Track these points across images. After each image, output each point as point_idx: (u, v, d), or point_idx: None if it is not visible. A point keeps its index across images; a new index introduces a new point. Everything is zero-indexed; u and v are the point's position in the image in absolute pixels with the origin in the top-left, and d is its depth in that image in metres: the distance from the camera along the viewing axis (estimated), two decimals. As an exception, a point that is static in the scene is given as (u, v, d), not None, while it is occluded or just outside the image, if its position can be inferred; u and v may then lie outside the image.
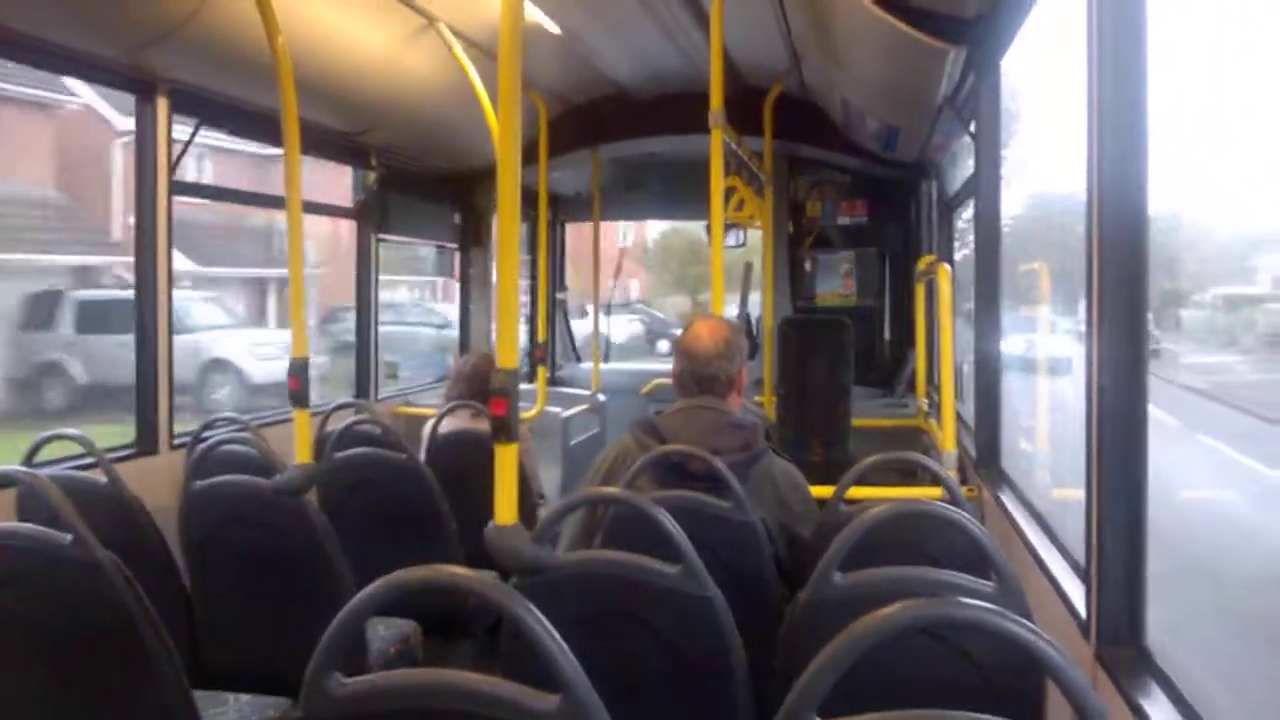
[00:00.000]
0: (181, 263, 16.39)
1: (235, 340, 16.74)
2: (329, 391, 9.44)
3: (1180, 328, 5.47)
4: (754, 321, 6.47)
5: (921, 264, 5.23)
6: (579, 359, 8.51)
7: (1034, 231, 6.74)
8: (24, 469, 2.68)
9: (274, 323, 21.86)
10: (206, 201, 8.79)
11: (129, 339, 4.16)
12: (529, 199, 6.29)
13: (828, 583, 1.95)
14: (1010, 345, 4.85)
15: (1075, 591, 2.24)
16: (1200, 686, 1.74)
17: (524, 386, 5.68)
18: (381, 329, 6.12)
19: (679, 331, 3.10)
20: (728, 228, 5.64)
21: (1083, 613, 2.08)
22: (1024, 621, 1.09)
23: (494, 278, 6.99)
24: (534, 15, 4.73)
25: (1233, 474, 4.53)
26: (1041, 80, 3.84)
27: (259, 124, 4.53)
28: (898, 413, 6.17)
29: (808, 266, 7.15)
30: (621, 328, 17.76)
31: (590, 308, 7.57)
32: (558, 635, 1.18)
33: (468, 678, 1.19)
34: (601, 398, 6.86)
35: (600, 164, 7.00)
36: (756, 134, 5.82)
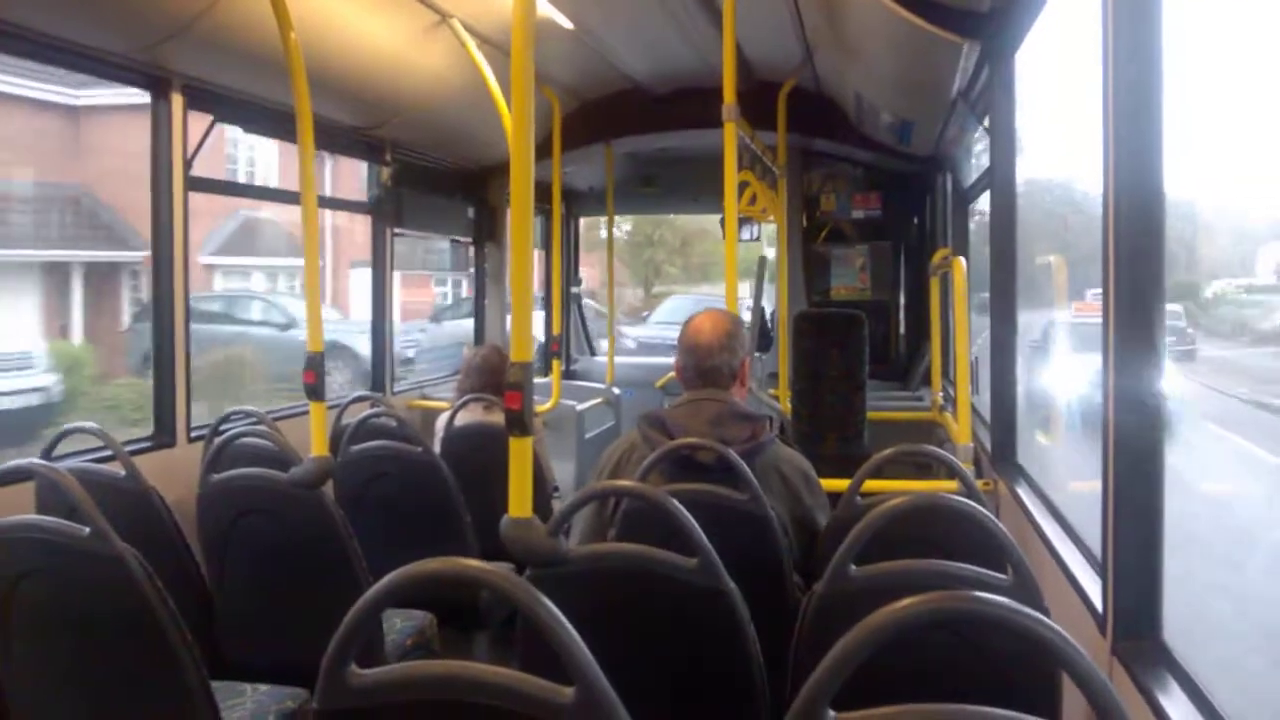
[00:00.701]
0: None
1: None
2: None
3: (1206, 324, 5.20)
4: (769, 315, 6.47)
5: (936, 257, 5.22)
6: (593, 352, 8.53)
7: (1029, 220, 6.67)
8: (42, 461, 2.70)
9: (80, 328, 16.87)
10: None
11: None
12: (543, 193, 6.30)
13: (844, 576, 1.95)
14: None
15: (1092, 586, 2.24)
16: (1218, 681, 1.73)
17: (539, 380, 5.72)
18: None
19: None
20: (741, 221, 5.64)
21: (1099, 607, 2.07)
22: (1038, 614, 1.09)
23: (508, 272, 7.01)
24: (546, 10, 4.73)
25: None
26: (1039, 70, 3.78)
27: (273, 119, 4.55)
28: (913, 406, 6.16)
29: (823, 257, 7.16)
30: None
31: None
32: (572, 628, 1.19)
33: (484, 670, 1.20)
34: (616, 391, 6.87)
35: (614, 159, 7.00)
36: (770, 128, 5.81)
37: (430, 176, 6.40)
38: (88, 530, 2.11)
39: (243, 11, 3.65)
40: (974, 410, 4.32)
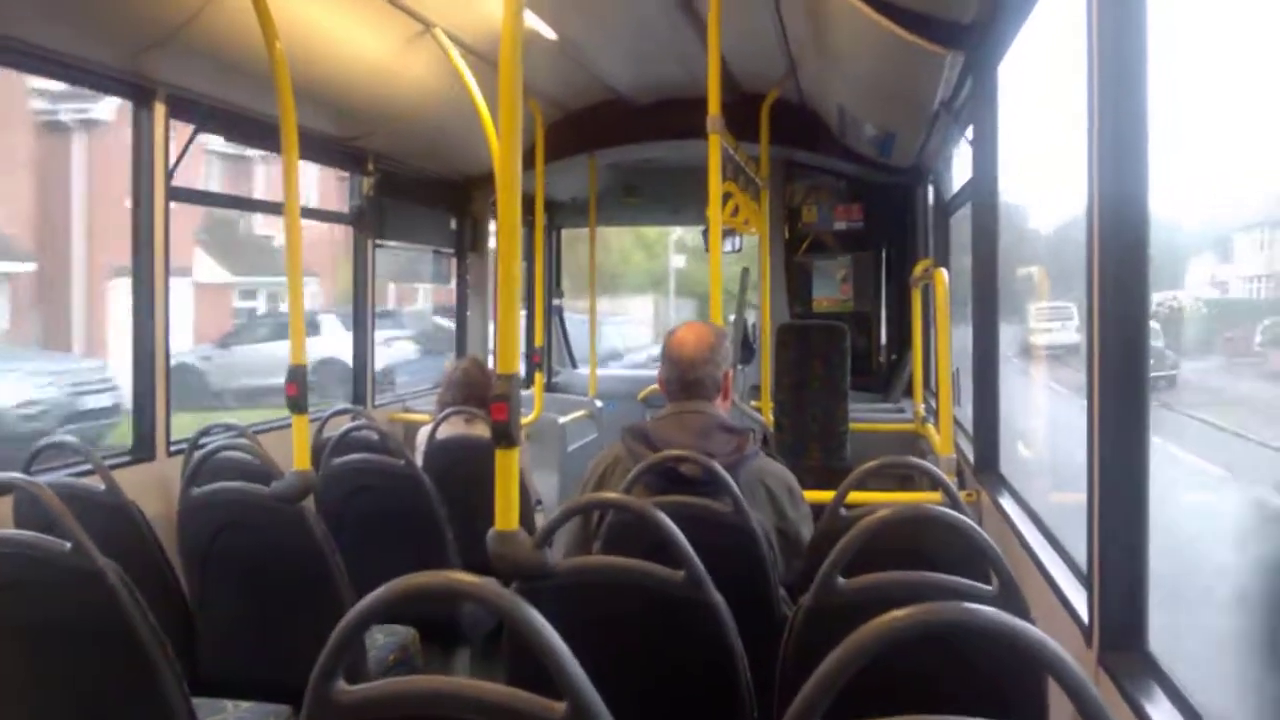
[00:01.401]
0: None
1: None
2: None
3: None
4: (751, 327, 6.48)
5: (918, 268, 5.24)
6: (575, 365, 8.51)
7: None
8: (21, 475, 2.67)
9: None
10: None
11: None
12: (526, 205, 6.28)
13: (830, 588, 1.95)
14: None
15: (1077, 596, 2.24)
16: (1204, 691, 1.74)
17: (521, 392, 5.70)
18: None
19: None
20: (724, 233, 5.64)
21: (1085, 618, 2.07)
22: (1029, 625, 1.09)
23: (490, 283, 6.99)
24: (531, 22, 4.73)
25: None
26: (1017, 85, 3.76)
27: (256, 129, 4.53)
28: (895, 417, 6.18)
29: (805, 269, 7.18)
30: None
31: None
32: (563, 642, 1.17)
33: (475, 685, 1.19)
34: (599, 403, 6.86)
35: (597, 170, 7.00)
36: (753, 140, 5.83)
37: (413, 187, 6.38)
38: (68, 545, 2.08)
39: (227, 21, 3.63)
40: (956, 421, 4.34)
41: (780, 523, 2.82)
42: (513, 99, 2.16)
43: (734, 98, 5.90)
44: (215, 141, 4.20)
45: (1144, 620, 1.94)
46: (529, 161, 5.61)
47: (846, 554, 1.96)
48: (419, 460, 4.27)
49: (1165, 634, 1.95)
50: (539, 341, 6.82)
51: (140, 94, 3.94)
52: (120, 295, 14.57)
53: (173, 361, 4.15)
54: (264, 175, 17.91)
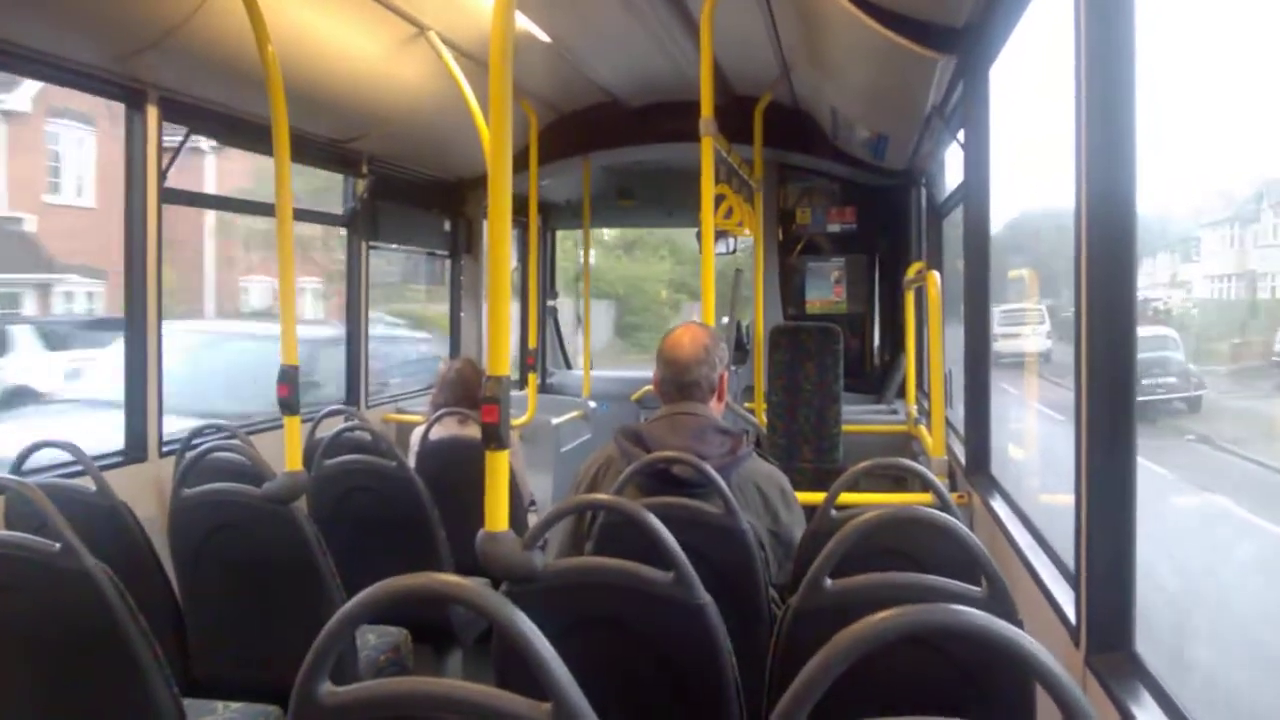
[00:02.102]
0: None
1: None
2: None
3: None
4: (744, 328, 6.48)
5: (911, 271, 5.25)
6: (569, 366, 8.52)
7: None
8: (11, 476, 2.67)
9: None
10: None
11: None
12: (519, 206, 6.28)
13: (818, 589, 1.95)
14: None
15: (1065, 598, 2.25)
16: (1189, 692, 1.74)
17: (515, 393, 5.71)
18: None
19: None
20: (717, 235, 5.65)
21: (1073, 620, 2.08)
22: (1013, 627, 1.10)
23: (484, 285, 7.00)
24: (524, 24, 4.74)
25: None
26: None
27: (249, 131, 4.53)
28: (888, 419, 6.19)
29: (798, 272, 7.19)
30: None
31: None
32: (548, 643, 1.18)
33: (458, 686, 1.19)
34: (592, 404, 6.87)
35: (591, 172, 7.01)
36: (746, 142, 5.83)
37: (407, 189, 6.38)
38: (58, 546, 2.09)
39: (220, 23, 3.63)
40: (948, 423, 4.35)
41: (773, 525, 2.82)
42: (503, 100, 2.16)
43: (727, 100, 5.92)
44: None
45: (1131, 622, 1.95)
46: (523, 163, 5.62)
47: (835, 555, 1.96)
48: (411, 461, 4.27)
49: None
50: (533, 343, 6.83)
51: (133, 96, 3.94)
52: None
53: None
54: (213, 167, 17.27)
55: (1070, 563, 2.22)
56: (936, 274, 4.18)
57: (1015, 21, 3.09)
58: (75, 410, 7.56)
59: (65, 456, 3.50)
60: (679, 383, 2.88)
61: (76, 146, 16.99)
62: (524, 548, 2.07)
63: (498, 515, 2.15)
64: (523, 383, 6.37)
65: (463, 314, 7.17)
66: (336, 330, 6.27)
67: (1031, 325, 5.70)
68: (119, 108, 4.00)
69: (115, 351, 4.58)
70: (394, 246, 6.42)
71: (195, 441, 3.95)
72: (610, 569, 2.07)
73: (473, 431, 4.34)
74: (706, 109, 3.71)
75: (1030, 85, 3.71)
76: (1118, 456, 1.96)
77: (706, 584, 2.04)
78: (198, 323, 15.48)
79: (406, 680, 1.22)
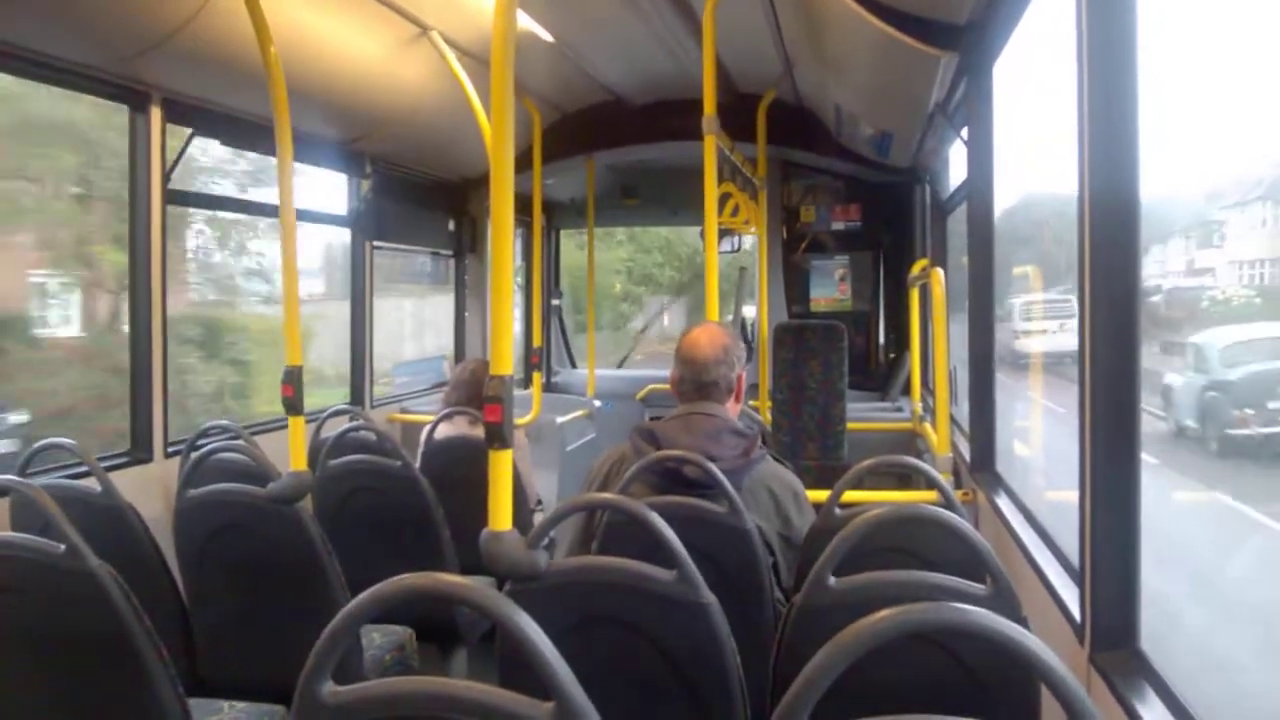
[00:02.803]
0: None
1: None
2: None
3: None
4: (749, 326, 6.48)
5: (915, 268, 5.25)
6: (574, 365, 8.52)
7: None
8: (17, 478, 2.68)
9: None
10: None
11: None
12: (523, 206, 6.29)
13: (822, 587, 1.95)
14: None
15: (1070, 596, 2.24)
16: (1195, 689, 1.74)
17: (520, 393, 5.71)
18: None
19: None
20: (722, 233, 5.65)
21: (1078, 618, 2.08)
22: (1016, 626, 1.09)
23: (488, 285, 6.99)
24: (527, 23, 4.74)
25: None
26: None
27: (253, 132, 4.53)
28: (893, 417, 6.18)
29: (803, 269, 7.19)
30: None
31: None
32: (550, 643, 1.18)
33: (461, 685, 1.19)
34: (597, 403, 6.87)
35: (594, 171, 7.00)
36: (750, 140, 5.83)
37: (410, 189, 6.38)
38: (63, 547, 2.09)
39: (223, 25, 3.63)
40: (953, 420, 4.34)
41: (784, 529, 2.81)
42: (505, 99, 2.16)
43: (731, 98, 5.91)
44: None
45: (1135, 619, 1.94)
46: (527, 162, 5.63)
47: (839, 553, 1.96)
48: (417, 460, 4.27)
49: None
50: (538, 342, 6.83)
51: (136, 98, 3.95)
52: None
53: None
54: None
55: (1075, 560, 2.22)
56: (941, 271, 4.17)
57: (1018, 18, 3.09)
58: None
59: (69, 458, 3.51)
60: (697, 382, 2.87)
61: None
62: (528, 546, 2.07)
63: (501, 514, 2.15)
64: (527, 382, 6.37)
65: (467, 313, 7.18)
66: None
67: (1060, 320, 5.59)
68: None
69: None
70: (398, 246, 6.42)
71: (200, 442, 3.96)
72: (613, 568, 2.06)
73: (481, 431, 4.33)
74: (710, 107, 3.71)
75: (1034, 74, 3.70)
76: (1122, 452, 1.96)
77: (711, 583, 2.04)
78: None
79: (408, 680, 1.21)
